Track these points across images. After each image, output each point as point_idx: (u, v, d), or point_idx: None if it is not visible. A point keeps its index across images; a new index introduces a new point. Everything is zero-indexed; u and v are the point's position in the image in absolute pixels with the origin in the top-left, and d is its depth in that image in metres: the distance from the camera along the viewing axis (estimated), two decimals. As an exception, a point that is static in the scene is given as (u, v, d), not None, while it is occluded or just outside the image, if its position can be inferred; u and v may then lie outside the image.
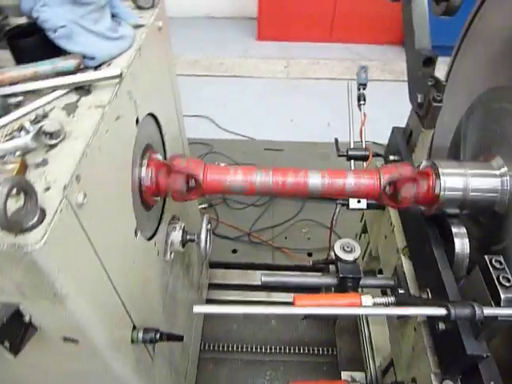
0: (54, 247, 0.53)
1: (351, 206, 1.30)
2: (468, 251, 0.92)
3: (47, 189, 0.57)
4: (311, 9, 3.86)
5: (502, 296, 0.74)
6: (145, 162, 0.93)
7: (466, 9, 1.08)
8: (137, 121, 0.85)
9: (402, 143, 1.23)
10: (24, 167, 0.61)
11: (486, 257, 0.79)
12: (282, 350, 1.82)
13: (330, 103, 3.24)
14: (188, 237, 1.15)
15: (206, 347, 1.83)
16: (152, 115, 0.97)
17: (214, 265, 2.09)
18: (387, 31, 3.81)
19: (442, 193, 0.91)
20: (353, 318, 1.70)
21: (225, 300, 1.99)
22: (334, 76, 3.62)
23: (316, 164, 2.57)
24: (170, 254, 1.11)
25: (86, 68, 0.80)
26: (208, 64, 3.82)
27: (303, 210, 2.34)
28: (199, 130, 3.03)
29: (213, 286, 2.02)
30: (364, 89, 1.42)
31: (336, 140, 1.34)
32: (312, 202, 2.35)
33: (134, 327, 0.86)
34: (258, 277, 2.02)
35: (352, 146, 1.30)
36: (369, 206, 1.34)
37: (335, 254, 1.20)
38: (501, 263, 0.78)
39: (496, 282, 0.75)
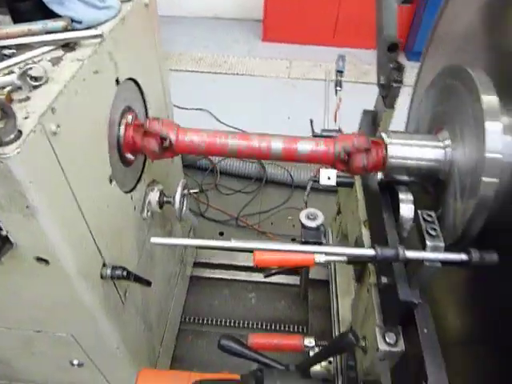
0: (26, 160, 0.64)
1: (321, 182, 1.40)
2: (412, 216, 1.01)
3: (26, 117, 0.68)
4: (315, 13, 3.98)
5: (428, 243, 0.83)
6: (123, 121, 1.03)
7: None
8: (117, 81, 0.96)
9: (368, 123, 1.33)
10: (9, 100, 0.71)
11: (418, 211, 0.88)
12: (260, 326, 1.91)
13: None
14: (165, 199, 1.26)
15: (187, 319, 1.92)
16: (134, 81, 1.08)
17: (199, 246, 2.19)
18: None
19: (388, 160, 1.00)
20: (325, 294, 1.78)
21: (209, 277, 2.09)
22: (334, 78, 3.71)
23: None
24: (147, 212, 1.22)
25: (74, 30, 0.91)
26: (212, 61, 3.96)
27: (291, 198, 2.44)
28: (198, 122, 3.15)
29: (199, 265, 2.12)
30: (341, 76, 1.52)
31: (311, 121, 1.45)
32: (300, 191, 2.44)
33: (104, 264, 0.96)
34: (241, 258, 2.12)
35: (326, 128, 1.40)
36: (339, 184, 1.44)
37: (300, 222, 1.30)
38: (431, 216, 0.87)
39: (424, 232, 0.84)
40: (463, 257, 0.79)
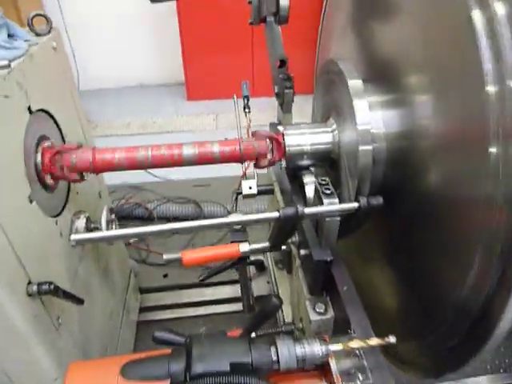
0: None
1: (244, 192, 1.51)
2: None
3: None
4: (232, 70, 4.35)
5: (325, 200, 0.94)
6: (39, 148, 1.09)
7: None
8: (29, 109, 1.04)
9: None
10: None
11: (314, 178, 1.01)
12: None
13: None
14: (92, 225, 1.29)
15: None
16: (48, 113, 1.16)
17: (145, 290, 2.17)
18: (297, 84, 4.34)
19: (287, 149, 1.14)
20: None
21: (158, 319, 2.05)
22: (258, 123, 4.01)
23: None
24: (76, 232, 1.24)
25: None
26: (141, 124, 4.12)
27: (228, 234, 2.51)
28: (133, 178, 3.21)
29: (146, 309, 2.08)
30: (248, 100, 1.70)
31: (225, 139, 1.58)
32: (237, 224, 2.52)
33: (30, 282, 0.97)
34: (187, 295, 2.13)
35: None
36: (260, 192, 1.55)
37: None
38: (325, 181, 1.00)
39: (321, 192, 0.96)
40: (355, 204, 0.92)
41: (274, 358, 0.77)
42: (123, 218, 2.56)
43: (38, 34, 1.23)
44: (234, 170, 1.64)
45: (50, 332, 1.06)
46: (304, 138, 1.15)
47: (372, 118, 1.02)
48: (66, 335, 1.14)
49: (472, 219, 0.76)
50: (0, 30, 1.07)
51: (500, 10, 0.66)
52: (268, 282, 1.87)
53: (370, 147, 0.99)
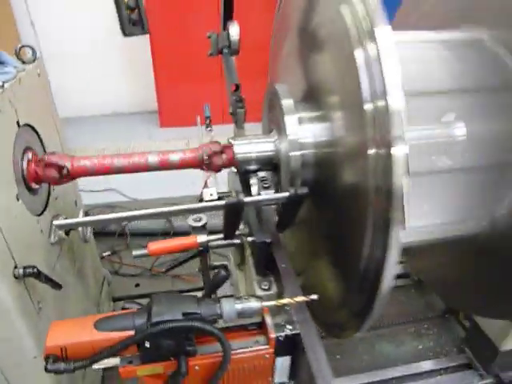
0: None
1: (205, 199, 1.72)
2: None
3: None
4: (203, 98, 4.62)
5: (262, 192, 1.17)
6: (25, 157, 1.29)
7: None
8: (18, 123, 1.24)
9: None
10: None
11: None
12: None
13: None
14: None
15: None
16: (32, 128, 1.36)
17: (117, 299, 2.31)
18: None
19: (236, 156, 1.37)
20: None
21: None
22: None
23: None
24: (54, 237, 1.42)
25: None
26: (115, 150, 4.30)
27: (198, 244, 2.69)
28: (107, 197, 3.38)
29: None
30: (209, 120, 1.95)
31: (189, 154, 1.81)
32: (205, 236, 2.72)
33: (16, 266, 1.14)
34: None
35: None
36: (220, 199, 1.77)
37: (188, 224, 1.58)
38: (265, 177, 1.24)
39: (260, 186, 1.19)
40: (285, 194, 1.15)
41: (218, 311, 0.97)
42: (97, 233, 2.71)
43: (24, 62, 1.45)
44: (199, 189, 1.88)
45: (32, 314, 1.22)
46: (251, 146, 1.39)
47: (301, 130, 1.27)
48: (45, 320, 1.30)
49: (365, 204, 0.99)
50: (-8, 59, 1.28)
51: (373, 49, 0.92)
52: (232, 285, 2.05)
53: (298, 153, 1.24)
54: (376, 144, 0.92)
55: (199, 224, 1.54)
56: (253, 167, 1.41)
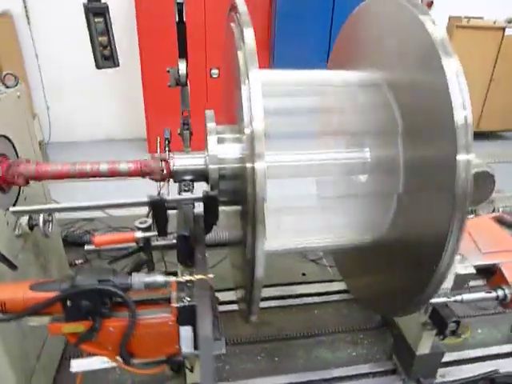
0: None
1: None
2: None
3: None
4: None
5: (182, 193, 1.44)
6: (-2, 161, 1.58)
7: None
8: (-6, 133, 1.54)
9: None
10: None
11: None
12: None
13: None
14: (33, 222, 1.74)
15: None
16: (8, 138, 1.66)
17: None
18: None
19: (172, 168, 1.65)
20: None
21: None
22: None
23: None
24: (19, 230, 1.68)
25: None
26: (104, 171, 4.62)
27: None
28: (88, 215, 3.65)
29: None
30: (168, 142, 2.24)
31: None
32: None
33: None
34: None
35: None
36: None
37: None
38: (189, 184, 1.51)
39: (182, 190, 1.47)
40: (199, 195, 1.42)
41: (129, 281, 1.22)
42: (72, 243, 2.96)
43: (7, 87, 1.77)
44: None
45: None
46: (186, 161, 1.68)
47: (220, 148, 1.55)
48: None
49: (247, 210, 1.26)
50: (-22, 83, 1.61)
51: (246, 88, 1.22)
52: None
53: (215, 166, 1.52)
54: (250, 160, 1.20)
55: (144, 226, 1.80)
56: (188, 177, 1.69)
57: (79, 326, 1.22)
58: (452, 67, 1.22)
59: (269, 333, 2.37)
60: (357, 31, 1.85)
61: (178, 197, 1.43)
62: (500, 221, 2.14)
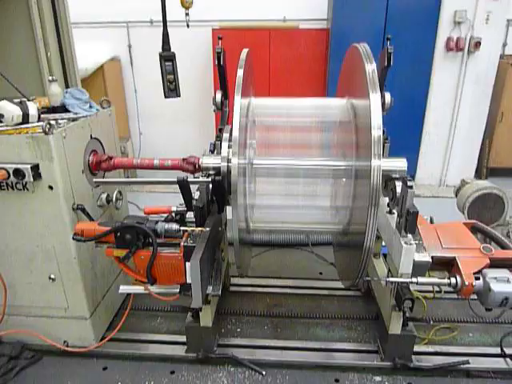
0: (56, 143, 2.01)
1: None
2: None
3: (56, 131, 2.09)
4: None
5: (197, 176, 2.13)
6: (91, 154, 2.42)
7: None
8: (91, 136, 2.40)
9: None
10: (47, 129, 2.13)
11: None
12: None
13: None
14: (109, 198, 2.55)
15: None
16: (98, 140, 2.51)
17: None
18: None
19: (201, 165, 2.34)
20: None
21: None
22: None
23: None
24: (99, 201, 2.50)
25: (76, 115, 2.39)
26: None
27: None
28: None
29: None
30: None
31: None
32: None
33: (74, 203, 2.22)
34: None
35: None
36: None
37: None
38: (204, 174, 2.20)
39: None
40: (208, 179, 2.08)
41: (155, 226, 1.91)
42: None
43: (103, 107, 2.66)
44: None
45: (77, 233, 2.27)
46: (208, 160, 2.36)
47: (231, 152, 2.23)
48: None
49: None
50: (86, 104, 2.50)
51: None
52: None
53: (225, 164, 2.19)
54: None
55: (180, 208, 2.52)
56: (211, 172, 2.38)
57: (122, 252, 1.94)
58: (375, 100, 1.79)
59: (278, 311, 2.89)
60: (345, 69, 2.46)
61: (194, 179, 2.12)
62: (475, 227, 2.47)
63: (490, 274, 2.04)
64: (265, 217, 2.54)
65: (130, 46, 6.18)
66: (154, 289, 2.09)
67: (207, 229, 1.93)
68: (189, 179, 2.10)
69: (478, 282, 2.04)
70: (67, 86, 3.68)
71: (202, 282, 1.84)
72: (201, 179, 2.14)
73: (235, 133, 1.83)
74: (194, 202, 2.10)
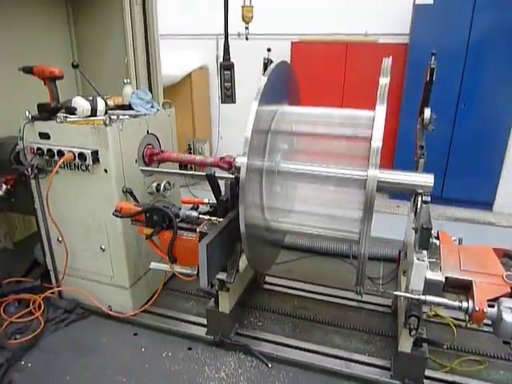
0: (112, 134, 2.41)
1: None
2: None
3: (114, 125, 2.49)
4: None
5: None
6: (146, 147, 2.80)
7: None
8: (147, 131, 2.79)
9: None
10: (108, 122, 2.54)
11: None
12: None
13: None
14: (158, 187, 2.91)
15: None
16: (155, 135, 2.89)
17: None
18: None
19: (235, 164, 2.57)
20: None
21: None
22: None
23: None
24: (149, 189, 2.87)
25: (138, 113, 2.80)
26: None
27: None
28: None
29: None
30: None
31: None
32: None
33: (125, 186, 2.60)
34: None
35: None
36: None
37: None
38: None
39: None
40: (232, 176, 2.30)
41: (177, 211, 2.18)
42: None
43: (164, 108, 3.05)
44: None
45: (124, 213, 2.66)
46: (240, 159, 2.57)
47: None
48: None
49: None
50: (148, 104, 2.90)
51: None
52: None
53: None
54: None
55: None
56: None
57: (150, 230, 2.25)
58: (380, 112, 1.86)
59: (302, 314, 2.98)
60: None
61: (221, 175, 2.35)
62: (508, 255, 2.31)
63: (506, 304, 1.92)
64: (300, 220, 2.69)
65: (218, 57, 6.72)
66: (177, 268, 2.37)
67: (222, 219, 2.15)
68: (216, 174, 2.34)
69: (491, 309, 1.93)
70: (150, 91, 4.21)
71: (209, 264, 2.05)
72: (225, 175, 2.37)
73: (247, 134, 2.03)
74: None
